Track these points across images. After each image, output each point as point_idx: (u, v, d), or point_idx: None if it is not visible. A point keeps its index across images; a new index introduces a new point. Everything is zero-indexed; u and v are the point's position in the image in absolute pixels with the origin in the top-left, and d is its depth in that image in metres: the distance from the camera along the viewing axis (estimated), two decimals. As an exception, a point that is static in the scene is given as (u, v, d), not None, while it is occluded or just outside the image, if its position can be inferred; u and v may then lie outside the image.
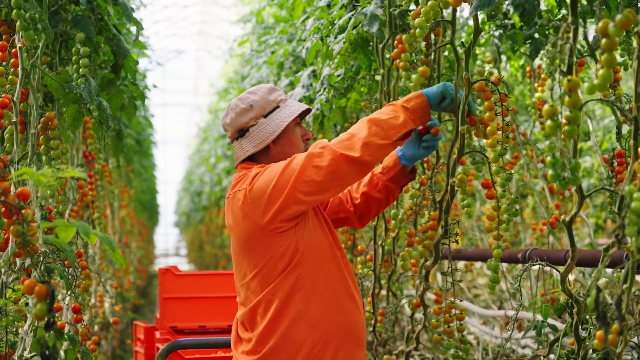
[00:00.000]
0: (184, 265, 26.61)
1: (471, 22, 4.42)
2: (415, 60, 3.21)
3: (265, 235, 2.62)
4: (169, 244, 39.20)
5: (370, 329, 4.08)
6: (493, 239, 2.98)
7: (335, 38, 3.93)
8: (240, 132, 2.76)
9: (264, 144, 2.72)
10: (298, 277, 2.62)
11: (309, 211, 2.70)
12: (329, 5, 4.27)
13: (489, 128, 2.79)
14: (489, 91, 2.81)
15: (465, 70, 2.87)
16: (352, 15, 3.76)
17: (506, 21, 4.37)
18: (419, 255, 3.31)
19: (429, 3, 2.91)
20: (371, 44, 3.91)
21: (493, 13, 4.11)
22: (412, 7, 3.48)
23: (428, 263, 3.29)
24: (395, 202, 3.91)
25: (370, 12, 3.18)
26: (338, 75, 4.26)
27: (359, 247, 4.22)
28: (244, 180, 2.68)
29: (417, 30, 2.94)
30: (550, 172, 1.97)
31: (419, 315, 4.17)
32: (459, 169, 3.08)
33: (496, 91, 2.82)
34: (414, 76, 2.96)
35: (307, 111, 2.84)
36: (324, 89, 4.31)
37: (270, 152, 2.75)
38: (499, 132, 2.85)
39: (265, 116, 2.74)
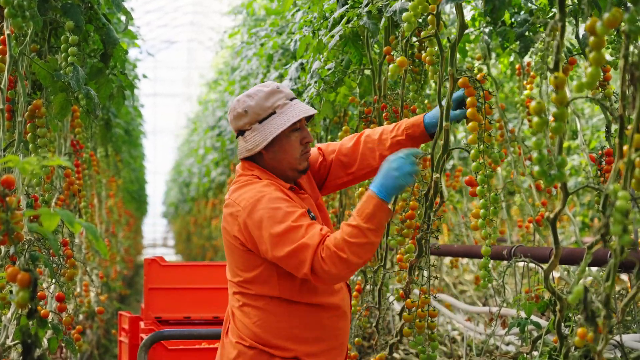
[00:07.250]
0: (172, 256, 26.54)
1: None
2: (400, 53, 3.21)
3: None
4: (157, 235, 39.10)
5: (357, 322, 4.09)
6: (481, 237, 2.97)
7: (330, 31, 3.93)
8: (239, 132, 2.79)
9: (255, 150, 2.73)
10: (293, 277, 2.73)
11: None
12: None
13: (470, 124, 2.79)
14: (472, 87, 2.81)
15: (450, 65, 2.87)
16: (347, 9, 3.76)
17: (497, 18, 4.36)
18: (397, 245, 3.31)
19: None
20: (362, 38, 3.91)
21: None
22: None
23: (412, 257, 3.29)
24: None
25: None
26: (329, 69, 4.25)
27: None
28: (244, 196, 2.69)
29: (405, 24, 2.95)
30: (536, 168, 1.97)
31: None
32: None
33: (480, 88, 2.81)
34: (391, 66, 2.95)
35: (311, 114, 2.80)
36: (315, 82, 4.30)
37: (264, 157, 2.76)
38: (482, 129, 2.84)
39: (260, 122, 2.72)
